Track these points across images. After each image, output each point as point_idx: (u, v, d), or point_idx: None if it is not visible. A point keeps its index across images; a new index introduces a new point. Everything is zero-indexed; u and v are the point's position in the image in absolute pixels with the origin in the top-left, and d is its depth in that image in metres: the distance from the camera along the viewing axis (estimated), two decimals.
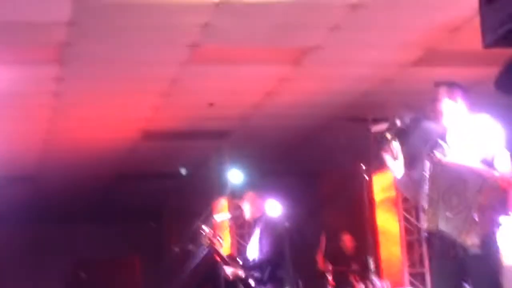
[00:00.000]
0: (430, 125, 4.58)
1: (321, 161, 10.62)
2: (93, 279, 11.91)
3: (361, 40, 6.56)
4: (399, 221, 9.82)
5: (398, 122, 4.53)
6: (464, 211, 4.30)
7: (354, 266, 9.02)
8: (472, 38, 4.94)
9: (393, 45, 6.72)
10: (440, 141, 4.53)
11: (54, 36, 6.01)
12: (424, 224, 4.47)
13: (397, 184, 4.63)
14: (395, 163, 4.56)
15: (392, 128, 4.53)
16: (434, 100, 4.57)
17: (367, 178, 4.74)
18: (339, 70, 7.33)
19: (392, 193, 9.95)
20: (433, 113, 4.56)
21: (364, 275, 8.13)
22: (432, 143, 4.59)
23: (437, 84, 4.64)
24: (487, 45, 4.04)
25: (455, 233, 4.30)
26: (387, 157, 4.57)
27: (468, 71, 7.25)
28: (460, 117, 4.55)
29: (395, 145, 4.55)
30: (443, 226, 4.33)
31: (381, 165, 4.65)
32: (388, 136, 4.53)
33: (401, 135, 4.57)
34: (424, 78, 6.52)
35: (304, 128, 9.24)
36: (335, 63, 7.12)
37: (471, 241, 4.25)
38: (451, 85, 4.63)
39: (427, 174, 4.42)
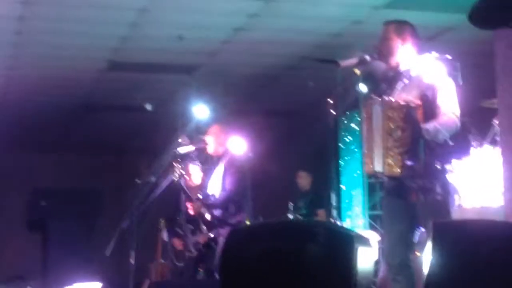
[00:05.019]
0: (378, 65, 4.58)
1: (288, 101, 10.60)
2: (54, 208, 11.88)
3: None
4: None
5: (367, 58, 4.52)
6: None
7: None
8: None
9: None
10: (385, 81, 4.56)
11: None
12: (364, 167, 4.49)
13: None
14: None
15: (361, 63, 4.53)
16: (382, 39, 4.55)
17: (334, 113, 4.75)
18: (311, 8, 7.24)
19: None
20: (382, 52, 4.54)
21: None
22: (377, 82, 4.61)
23: (387, 23, 4.61)
24: None
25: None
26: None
27: (440, 16, 7.25)
28: (407, 57, 4.53)
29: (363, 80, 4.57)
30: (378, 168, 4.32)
31: (348, 103, 4.66)
32: (357, 71, 4.53)
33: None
34: None
35: (272, 66, 9.17)
36: (307, 0, 7.04)
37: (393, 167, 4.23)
38: (400, 24, 4.60)
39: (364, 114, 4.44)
